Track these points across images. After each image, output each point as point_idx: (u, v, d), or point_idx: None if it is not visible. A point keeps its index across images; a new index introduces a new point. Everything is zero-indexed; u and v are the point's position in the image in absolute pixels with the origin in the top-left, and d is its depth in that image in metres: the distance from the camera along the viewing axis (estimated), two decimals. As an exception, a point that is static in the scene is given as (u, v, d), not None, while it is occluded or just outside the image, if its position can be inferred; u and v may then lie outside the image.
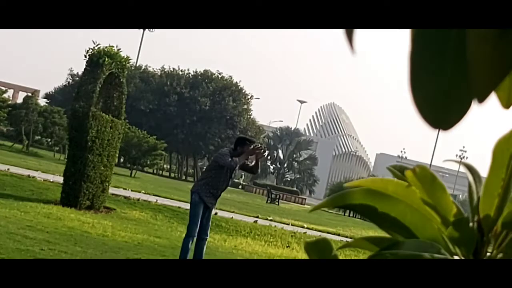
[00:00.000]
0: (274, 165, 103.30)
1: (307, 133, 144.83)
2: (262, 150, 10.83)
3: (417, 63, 0.44)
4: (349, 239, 19.73)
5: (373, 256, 0.64)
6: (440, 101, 0.41)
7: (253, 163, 10.93)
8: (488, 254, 0.70)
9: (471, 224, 0.70)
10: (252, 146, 10.75)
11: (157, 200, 22.83)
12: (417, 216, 0.71)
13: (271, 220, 24.31)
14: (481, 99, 0.44)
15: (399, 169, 0.73)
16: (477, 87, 0.41)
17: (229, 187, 11.41)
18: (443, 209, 0.70)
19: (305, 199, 71.29)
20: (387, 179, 0.73)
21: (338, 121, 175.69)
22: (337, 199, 0.73)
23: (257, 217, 24.21)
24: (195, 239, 10.76)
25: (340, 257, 0.69)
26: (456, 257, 0.67)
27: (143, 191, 25.91)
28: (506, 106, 0.55)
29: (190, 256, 10.76)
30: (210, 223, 11.07)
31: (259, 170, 11.75)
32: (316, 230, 23.46)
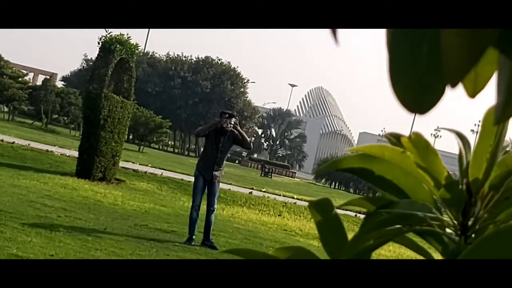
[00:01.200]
0: (267, 142, 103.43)
1: (297, 114, 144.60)
2: (224, 122, 10.78)
3: (395, 52, 0.42)
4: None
5: (370, 214, 0.62)
6: (416, 88, 0.40)
7: (242, 137, 10.94)
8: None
9: (460, 186, 0.69)
10: (224, 117, 10.81)
11: (162, 173, 22.83)
12: (411, 179, 0.69)
13: (264, 191, 24.35)
14: (454, 85, 0.43)
15: (395, 137, 0.72)
16: (450, 73, 0.39)
17: (226, 162, 11.40)
18: (436, 173, 0.69)
19: (295, 173, 71.57)
20: (384, 145, 0.71)
21: (325, 103, 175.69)
22: (339, 162, 0.72)
23: (252, 188, 24.24)
24: (200, 208, 10.81)
25: (340, 216, 0.67)
26: (446, 217, 0.66)
27: (150, 165, 25.90)
28: (472, 95, 0.55)
29: (200, 225, 10.82)
30: (215, 195, 11.04)
31: (252, 145, 11.76)
32: (305, 200, 23.47)
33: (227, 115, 10.95)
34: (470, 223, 0.69)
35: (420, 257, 0.69)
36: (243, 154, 76.69)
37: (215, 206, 11.18)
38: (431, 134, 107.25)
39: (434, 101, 0.39)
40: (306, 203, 21.71)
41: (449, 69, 0.37)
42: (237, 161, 70.70)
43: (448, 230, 0.66)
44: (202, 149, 11.78)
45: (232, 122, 10.85)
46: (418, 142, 0.67)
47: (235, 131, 10.87)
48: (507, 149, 0.69)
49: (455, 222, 0.68)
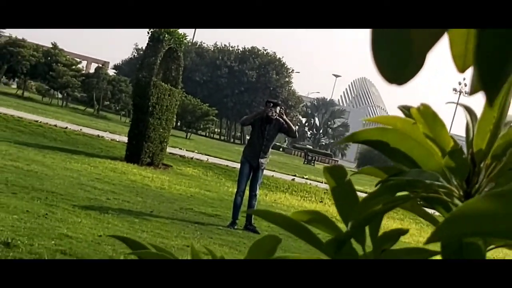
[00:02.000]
0: (311, 131, 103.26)
1: (341, 104, 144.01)
2: (269, 110, 10.78)
3: (379, 38, 0.45)
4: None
5: (381, 181, 0.64)
6: (396, 61, 0.41)
7: (287, 126, 10.93)
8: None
9: (465, 156, 0.71)
10: (269, 106, 10.82)
11: (208, 159, 22.96)
12: (421, 150, 0.72)
13: (307, 178, 24.31)
14: (421, 61, 0.44)
15: (407, 109, 0.74)
16: (417, 47, 0.41)
17: (271, 149, 11.41)
18: (442, 143, 0.71)
19: (337, 161, 71.20)
20: (397, 116, 0.74)
21: (368, 93, 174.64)
22: (358, 135, 0.75)
23: (295, 175, 24.22)
24: (244, 194, 10.90)
25: (354, 183, 0.70)
26: (453, 188, 0.68)
27: (196, 151, 26.08)
28: (461, 71, 0.57)
29: (243, 210, 10.89)
30: (258, 181, 11.10)
31: (297, 134, 11.74)
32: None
33: (272, 104, 10.97)
34: (473, 191, 0.71)
35: (427, 225, 0.71)
36: (285, 143, 76.69)
37: (258, 192, 11.23)
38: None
39: (411, 74, 0.41)
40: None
41: (415, 43, 0.39)
42: (281, 149, 70.70)
43: (455, 200, 0.69)
44: (248, 137, 11.80)
45: (277, 111, 10.87)
46: (426, 113, 0.70)
47: (280, 119, 10.89)
48: (512, 123, 0.71)
49: (460, 190, 0.70)
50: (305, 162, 49.52)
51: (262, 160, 10.95)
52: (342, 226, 0.76)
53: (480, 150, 0.69)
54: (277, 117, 10.86)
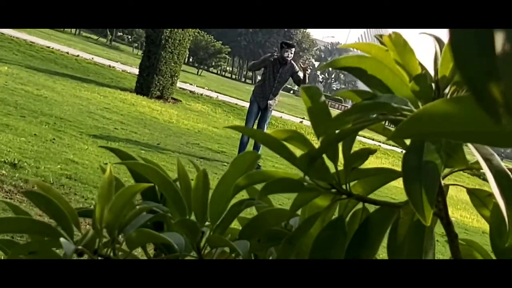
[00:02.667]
0: (323, 75, 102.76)
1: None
2: (285, 52, 10.73)
3: None
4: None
5: (358, 103, 0.69)
6: None
7: (301, 76, 10.88)
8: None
9: (430, 83, 0.76)
10: (286, 49, 10.73)
11: (218, 96, 22.99)
12: (393, 76, 0.76)
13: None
14: None
15: (381, 37, 0.79)
16: None
17: (281, 91, 11.41)
18: (411, 69, 0.76)
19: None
20: (371, 43, 0.78)
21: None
22: (339, 61, 0.79)
23: (303, 118, 24.26)
24: (252, 132, 10.96)
25: (330, 107, 0.75)
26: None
27: (207, 88, 26.08)
28: None
29: (249, 147, 10.96)
30: (266, 121, 11.16)
31: (307, 81, 11.66)
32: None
33: (287, 45, 10.92)
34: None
35: (390, 144, 0.76)
36: (296, 86, 76.25)
37: (266, 131, 11.29)
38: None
39: None
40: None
41: None
42: (291, 91, 70.56)
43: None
44: (259, 77, 11.77)
45: (292, 52, 10.83)
46: (397, 41, 0.74)
47: (295, 66, 10.88)
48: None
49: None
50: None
51: (270, 102, 10.98)
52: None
53: (444, 76, 0.74)
54: (294, 64, 10.85)
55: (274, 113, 21.83)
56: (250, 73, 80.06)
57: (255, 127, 11.03)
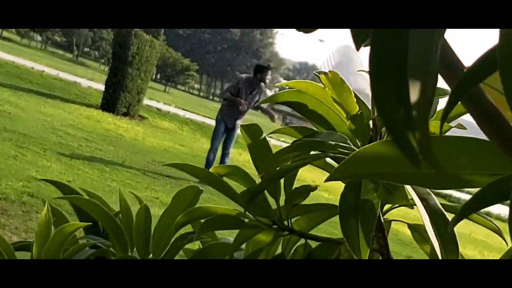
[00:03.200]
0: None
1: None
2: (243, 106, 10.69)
3: None
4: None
5: (297, 141, 0.70)
6: None
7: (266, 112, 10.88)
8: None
9: (367, 121, 0.76)
10: (267, 73, 10.69)
11: (185, 114, 22.95)
12: (333, 113, 0.77)
13: (283, 141, 24.40)
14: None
15: (319, 73, 0.80)
16: None
17: (250, 110, 11.40)
18: (349, 107, 0.76)
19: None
20: (309, 81, 0.79)
21: (352, 61, 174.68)
22: (279, 96, 0.80)
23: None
24: (217, 151, 10.93)
25: (270, 142, 0.76)
26: (356, 149, 0.73)
27: (174, 105, 26.05)
28: None
29: (215, 165, 10.91)
30: (232, 140, 11.13)
31: (274, 119, 11.60)
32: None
33: (267, 68, 10.82)
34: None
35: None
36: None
37: (230, 150, 11.29)
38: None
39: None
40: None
41: None
42: (259, 110, 70.80)
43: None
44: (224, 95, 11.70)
45: (269, 75, 10.78)
46: (335, 79, 0.75)
47: (265, 87, 10.86)
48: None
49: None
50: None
51: (238, 121, 10.97)
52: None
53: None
54: (264, 85, 10.81)
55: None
56: (218, 91, 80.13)
57: (221, 146, 11.02)
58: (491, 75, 0.36)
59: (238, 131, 11.22)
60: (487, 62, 0.36)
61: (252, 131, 0.74)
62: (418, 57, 0.30)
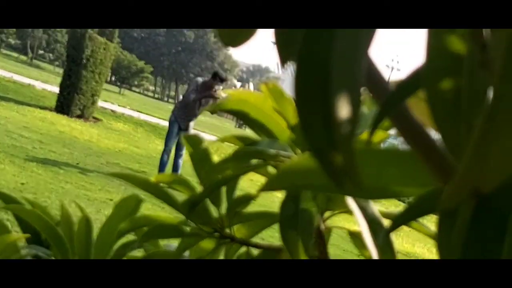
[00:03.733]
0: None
1: (276, 72, 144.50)
2: (215, 97, 10.63)
3: None
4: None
5: (238, 150, 0.69)
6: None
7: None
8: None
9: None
10: (220, 87, 10.64)
11: (139, 115, 22.80)
12: (274, 123, 0.77)
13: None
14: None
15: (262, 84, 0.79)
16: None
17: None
18: (289, 117, 0.76)
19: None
20: (249, 91, 0.79)
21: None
22: (224, 104, 0.79)
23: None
24: (171, 152, 10.89)
25: (217, 154, 0.75)
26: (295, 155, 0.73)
27: (128, 107, 25.85)
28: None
29: (168, 168, 10.89)
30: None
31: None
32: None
33: (221, 80, 10.74)
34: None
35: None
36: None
37: (184, 152, 11.26)
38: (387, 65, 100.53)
39: (245, 39, 0.43)
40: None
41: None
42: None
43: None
44: (181, 97, 11.66)
45: (221, 88, 10.71)
46: (275, 90, 0.75)
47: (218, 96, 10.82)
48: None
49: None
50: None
51: (191, 123, 10.95)
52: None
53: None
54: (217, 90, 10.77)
55: (195, 132, 21.73)
56: (172, 93, 79.88)
57: (174, 147, 10.97)
58: (416, 92, 0.36)
59: (192, 131, 11.19)
60: (413, 80, 0.35)
61: (193, 141, 0.74)
62: (342, 77, 0.29)
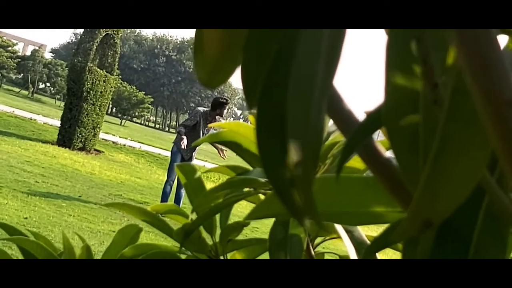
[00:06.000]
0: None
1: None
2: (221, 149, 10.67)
3: (197, 37, 0.47)
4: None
5: (230, 179, 0.72)
6: (210, 69, 0.45)
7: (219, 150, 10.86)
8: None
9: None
10: (225, 107, 10.67)
11: (140, 146, 22.83)
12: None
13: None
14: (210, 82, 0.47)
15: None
16: (208, 65, 0.44)
17: (203, 140, 11.35)
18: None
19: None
20: (240, 122, 0.82)
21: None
22: (216, 136, 0.82)
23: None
24: (174, 183, 10.87)
25: (205, 180, 0.78)
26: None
27: (130, 138, 25.89)
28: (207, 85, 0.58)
29: (170, 198, 10.88)
30: None
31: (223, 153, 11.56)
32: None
33: (224, 103, 10.75)
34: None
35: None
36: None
37: (187, 181, 11.27)
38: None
39: (221, 80, 0.45)
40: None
41: (208, 61, 0.44)
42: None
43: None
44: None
45: (224, 113, 10.74)
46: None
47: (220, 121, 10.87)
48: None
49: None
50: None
51: (194, 153, 10.97)
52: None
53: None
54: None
55: (197, 161, 21.87)
56: (174, 123, 79.98)
57: (177, 177, 10.98)
58: (379, 128, 0.39)
59: (193, 160, 11.20)
60: (376, 116, 0.38)
61: (187, 170, 0.77)
62: (297, 120, 0.32)
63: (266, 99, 0.33)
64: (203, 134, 10.73)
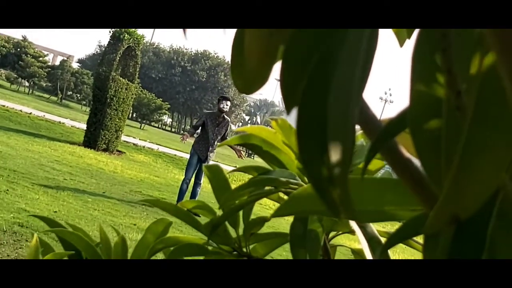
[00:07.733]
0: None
1: (280, 105, 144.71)
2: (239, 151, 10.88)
3: (235, 50, 0.46)
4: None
5: (253, 179, 0.72)
6: (245, 76, 0.44)
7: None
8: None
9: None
10: (224, 102, 10.74)
11: (158, 148, 22.84)
12: (284, 155, 0.80)
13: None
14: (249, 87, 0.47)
15: (271, 120, 0.82)
16: (250, 74, 0.44)
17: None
18: (296, 149, 0.79)
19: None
20: (262, 126, 0.82)
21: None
22: (241, 138, 0.82)
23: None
24: (190, 181, 10.89)
25: (230, 181, 0.78)
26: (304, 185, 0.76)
27: (148, 140, 25.90)
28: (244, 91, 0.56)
29: (186, 196, 10.91)
30: (203, 171, 11.07)
31: (240, 154, 11.66)
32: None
33: (223, 98, 10.90)
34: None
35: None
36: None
37: (202, 181, 11.29)
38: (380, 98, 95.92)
39: (258, 86, 0.45)
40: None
41: (250, 72, 0.43)
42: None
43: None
44: (198, 131, 11.67)
45: (228, 104, 10.83)
46: (283, 125, 0.78)
47: (229, 120, 10.94)
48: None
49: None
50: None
51: (210, 154, 10.97)
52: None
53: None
54: (228, 119, 10.89)
55: (210, 162, 21.88)
56: (188, 127, 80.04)
57: (194, 176, 10.99)
58: (403, 131, 0.39)
59: (211, 162, 11.20)
60: (399, 120, 0.38)
61: (214, 170, 0.77)
62: (337, 123, 0.32)
63: (307, 103, 0.32)
64: (212, 133, 10.76)
